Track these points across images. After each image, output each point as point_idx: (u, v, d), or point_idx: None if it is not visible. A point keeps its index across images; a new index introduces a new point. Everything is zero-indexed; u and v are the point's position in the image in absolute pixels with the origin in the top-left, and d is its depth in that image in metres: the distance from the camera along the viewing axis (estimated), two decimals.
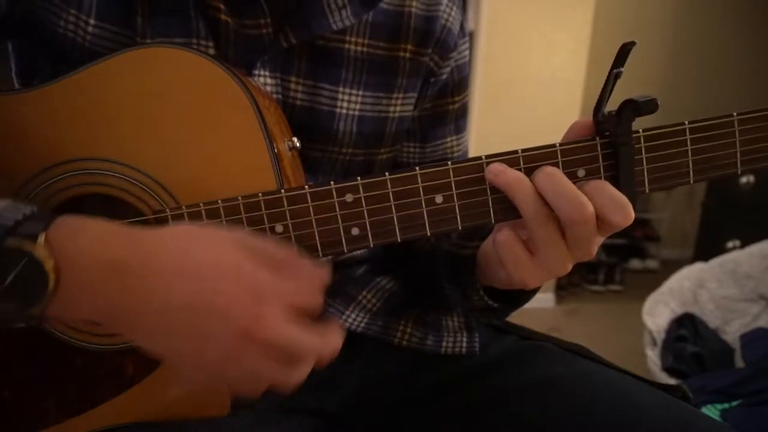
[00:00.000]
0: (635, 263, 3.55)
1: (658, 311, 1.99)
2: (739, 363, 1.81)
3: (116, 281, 0.39)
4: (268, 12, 0.54)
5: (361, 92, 0.60)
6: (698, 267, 2.13)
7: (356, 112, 0.61)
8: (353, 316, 0.65)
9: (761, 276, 2.01)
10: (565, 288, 3.13)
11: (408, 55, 0.62)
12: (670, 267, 2.59)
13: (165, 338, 0.41)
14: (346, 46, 0.59)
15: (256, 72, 0.55)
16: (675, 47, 3.46)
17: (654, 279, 2.70)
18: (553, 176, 0.45)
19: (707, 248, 2.75)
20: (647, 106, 0.44)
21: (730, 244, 2.67)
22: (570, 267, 0.48)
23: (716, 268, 2.08)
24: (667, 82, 3.42)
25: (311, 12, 0.55)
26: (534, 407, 0.58)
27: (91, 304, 0.40)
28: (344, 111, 0.60)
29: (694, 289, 2.05)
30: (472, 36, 2.58)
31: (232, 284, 0.40)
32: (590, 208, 0.44)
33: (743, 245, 2.33)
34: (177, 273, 0.40)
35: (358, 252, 0.68)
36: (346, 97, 0.60)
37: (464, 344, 0.66)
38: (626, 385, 0.59)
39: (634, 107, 0.44)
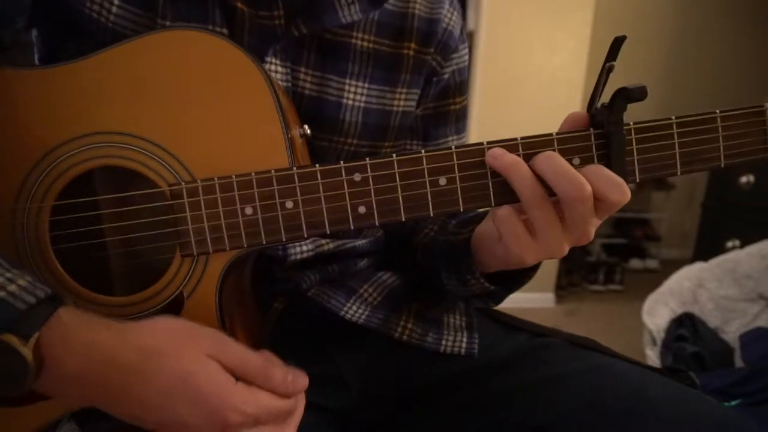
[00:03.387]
0: (635, 263, 3.55)
1: (658, 311, 1.99)
2: (739, 363, 1.81)
3: (96, 382, 0.43)
4: (282, 4, 0.57)
5: (366, 85, 0.63)
6: (698, 267, 2.12)
7: (362, 104, 0.63)
8: (354, 308, 0.66)
9: (761, 276, 2.00)
10: (565, 288, 3.13)
11: (411, 52, 0.65)
12: (670, 267, 2.58)
13: (134, 421, 0.45)
14: (353, 41, 0.62)
15: (268, 59, 0.57)
16: (675, 47, 3.46)
17: (654, 279, 2.70)
18: (552, 158, 0.47)
19: (707, 248, 2.75)
20: (637, 93, 0.47)
21: (729, 244, 2.66)
22: (567, 249, 0.50)
23: (716, 268, 2.08)
24: (666, 81, 3.43)
25: (322, 5, 0.58)
26: (547, 403, 0.59)
27: (70, 395, 0.45)
28: (350, 102, 0.62)
29: (694, 288, 2.05)
30: (472, 36, 2.58)
31: (197, 405, 0.43)
32: (588, 186, 0.46)
33: (743, 245, 2.32)
34: (148, 384, 0.43)
35: (359, 243, 0.69)
36: (352, 89, 0.62)
37: (464, 344, 0.67)
38: (638, 376, 0.60)
39: (625, 94, 0.47)
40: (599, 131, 0.49)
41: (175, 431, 0.45)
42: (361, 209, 0.49)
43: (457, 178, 0.49)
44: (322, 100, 0.61)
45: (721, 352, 1.86)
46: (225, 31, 0.56)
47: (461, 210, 0.50)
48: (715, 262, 2.11)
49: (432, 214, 0.50)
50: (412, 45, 0.65)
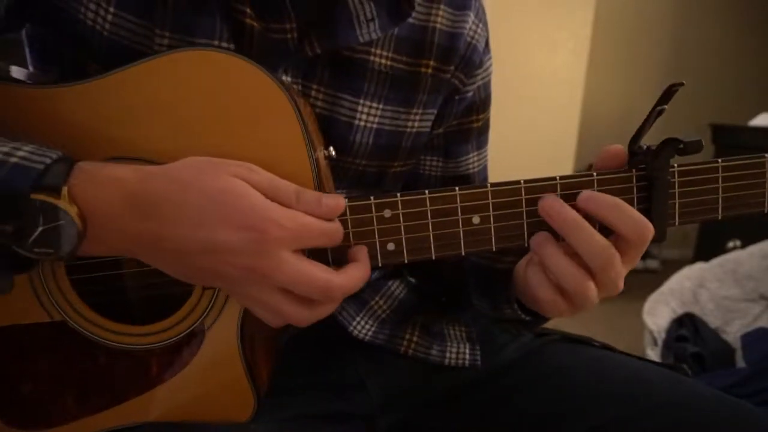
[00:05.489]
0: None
1: (659, 311, 1.99)
2: (740, 363, 1.81)
3: (133, 214, 0.42)
4: (294, 18, 0.54)
5: (381, 106, 0.60)
6: (699, 267, 2.12)
7: (374, 125, 0.60)
8: (362, 323, 0.66)
9: (762, 276, 2.00)
10: None
11: (430, 71, 0.61)
12: (671, 267, 2.59)
13: (179, 267, 0.44)
14: (371, 58, 0.58)
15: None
16: (675, 47, 3.46)
17: (654, 279, 2.70)
18: (583, 230, 0.47)
19: (708, 248, 2.75)
20: (691, 147, 0.45)
21: (730, 244, 2.66)
22: (596, 302, 0.51)
23: (717, 268, 2.08)
24: (666, 81, 3.42)
25: (339, 22, 0.55)
26: (556, 393, 0.62)
27: (115, 239, 0.43)
28: (363, 123, 0.59)
29: (695, 289, 2.05)
30: None
31: (233, 222, 0.42)
32: (618, 255, 0.47)
33: (744, 245, 2.32)
34: (181, 207, 0.42)
35: None
36: (365, 110, 0.59)
37: (467, 356, 0.67)
38: (634, 363, 0.64)
39: (677, 146, 0.45)
40: (641, 173, 0.47)
41: (217, 264, 0.43)
42: (390, 246, 0.48)
43: (491, 216, 0.48)
44: (333, 119, 0.58)
45: (722, 353, 1.86)
46: (232, 46, 0.53)
47: (493, 249, 0.48)
48: (716, 262, 2.11)
49: (463, 253, 0.48)
50: (431, 63, 0.61)
